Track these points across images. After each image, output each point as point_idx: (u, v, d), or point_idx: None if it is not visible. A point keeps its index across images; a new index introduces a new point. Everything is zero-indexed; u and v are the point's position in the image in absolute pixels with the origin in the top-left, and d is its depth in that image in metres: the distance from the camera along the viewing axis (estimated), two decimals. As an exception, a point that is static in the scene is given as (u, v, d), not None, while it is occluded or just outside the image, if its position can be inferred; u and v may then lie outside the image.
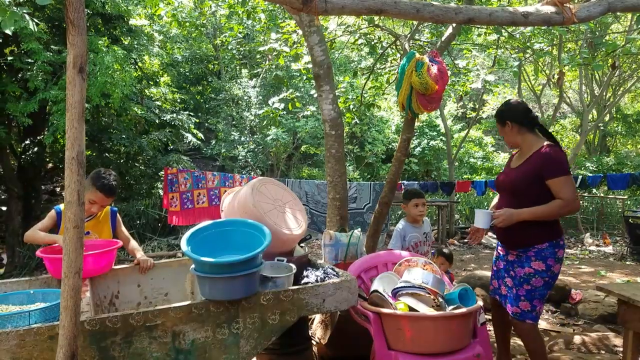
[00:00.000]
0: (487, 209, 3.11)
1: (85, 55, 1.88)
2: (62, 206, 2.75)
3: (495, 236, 10.80)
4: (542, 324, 4.56)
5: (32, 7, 9.06)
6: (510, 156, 3.33)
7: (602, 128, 16.66)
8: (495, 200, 3.35)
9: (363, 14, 2.11)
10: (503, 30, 5.97)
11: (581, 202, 12.78)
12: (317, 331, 3.67)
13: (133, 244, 3.21)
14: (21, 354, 2.06)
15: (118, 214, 3.26)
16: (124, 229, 3.27)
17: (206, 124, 14.46)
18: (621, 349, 3.18)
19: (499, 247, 3.25)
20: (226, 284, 2.30)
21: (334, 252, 3.79)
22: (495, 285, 3.28)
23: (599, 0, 2.35)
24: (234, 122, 14.07)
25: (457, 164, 15.55)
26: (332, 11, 2.01)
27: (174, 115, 11.63)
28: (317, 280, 2.61)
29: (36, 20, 6.34)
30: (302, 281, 2.65)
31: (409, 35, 5.50)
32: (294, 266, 2.66)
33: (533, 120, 3.07)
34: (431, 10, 2.11)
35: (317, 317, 3.73)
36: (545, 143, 2.99)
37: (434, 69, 3.86)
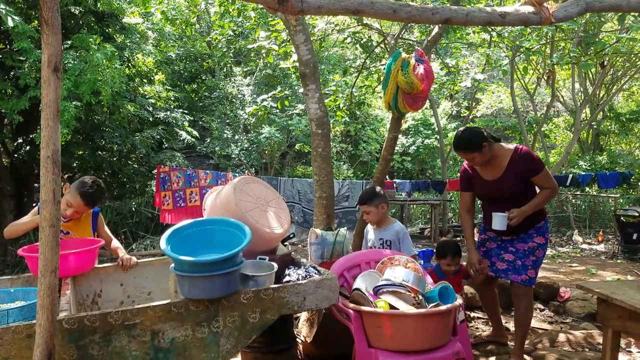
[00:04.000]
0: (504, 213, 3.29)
1: (60, 54, 1.89)
2: None
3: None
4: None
5: (25, 5, 9.04)
6: (468, 173, 3.53)
7: (595, 127, 16.69)
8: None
9: (340, 14, 2.12)
10: (491, 29, 5.99)
11: (574, 200, 12.83)
12: (303, 329, 3.67)
13: (115, 243, 3.21)
14: (-1, 353, 2.07)
15: (100, 214, 3.26)
16: (106, 229, 3.28)
17: (200, 122, 14.45)
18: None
19: (487, 232, 3.59)
20: (206, 283, 2.30)
21: (320, 251, 3.81)
22: (486, 264, 3.59)
23: (577, 0, 2.36)
24: (227, 121, 14.06)
25: (451, 162, 15.56)
26: (309, 11, 2.01)
27: (168, 113, 11.62)
28: (298, 279, 2.62)
29: (14, 17, 6.29)
30: (284, 279, 2.65)
31: (396, 35, 5.50)
32: (275, 265, 2.66)
33: (490, 133, 3.37)
34: (408, 10, 2.11)
35: (303, 316, 3.74)
36: (513, 147, 3.33)
37: (420, 69, 3.88)
